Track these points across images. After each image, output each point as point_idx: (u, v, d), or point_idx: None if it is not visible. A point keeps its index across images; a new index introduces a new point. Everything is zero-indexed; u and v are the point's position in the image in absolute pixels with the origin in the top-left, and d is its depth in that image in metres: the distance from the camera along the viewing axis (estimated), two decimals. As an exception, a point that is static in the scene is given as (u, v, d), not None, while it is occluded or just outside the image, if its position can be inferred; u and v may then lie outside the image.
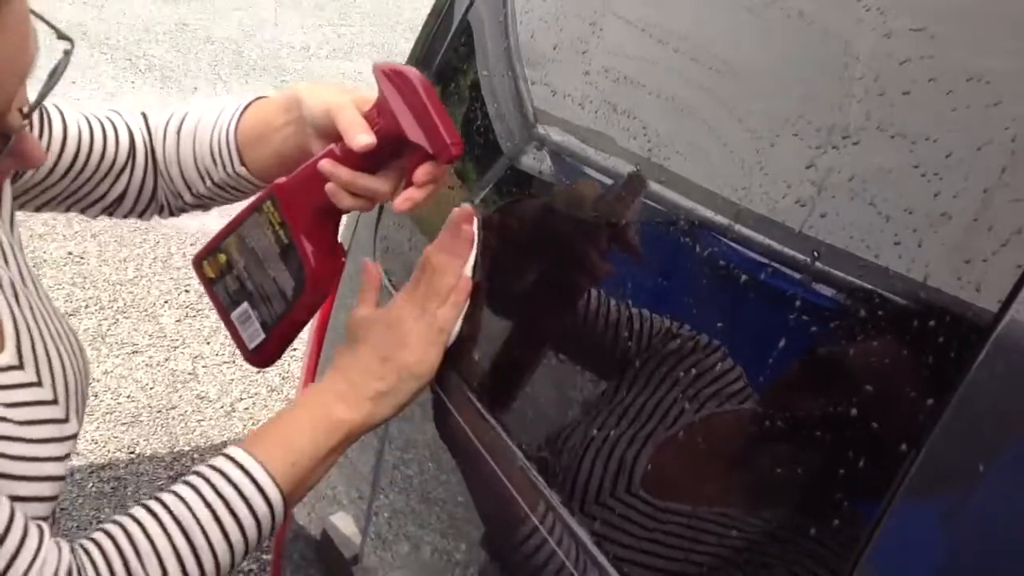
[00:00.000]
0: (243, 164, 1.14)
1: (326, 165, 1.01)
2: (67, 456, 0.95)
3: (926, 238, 0.64)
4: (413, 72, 0.99)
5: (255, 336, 1.13)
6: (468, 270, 1.05)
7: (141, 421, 3.12)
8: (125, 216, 1.23)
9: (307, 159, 1.06)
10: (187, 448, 3.02)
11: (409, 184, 0.99)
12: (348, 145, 0.99)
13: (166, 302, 3.66)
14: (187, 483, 0.96)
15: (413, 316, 1.03)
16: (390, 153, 1.01)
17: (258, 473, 0.96)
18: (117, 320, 3.53)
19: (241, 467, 0.96)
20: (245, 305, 1.13)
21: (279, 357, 1.15)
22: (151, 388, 3.25)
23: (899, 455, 0.60)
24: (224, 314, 1.16)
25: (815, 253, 0.71)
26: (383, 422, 1.03)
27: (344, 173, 1.01)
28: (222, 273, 1.15)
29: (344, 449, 1.02)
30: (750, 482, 0.73)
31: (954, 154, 0.64)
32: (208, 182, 1.16)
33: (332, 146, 1.03)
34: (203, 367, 3.34)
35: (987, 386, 0.57)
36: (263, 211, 1.09)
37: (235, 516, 0.95)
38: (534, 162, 1.18)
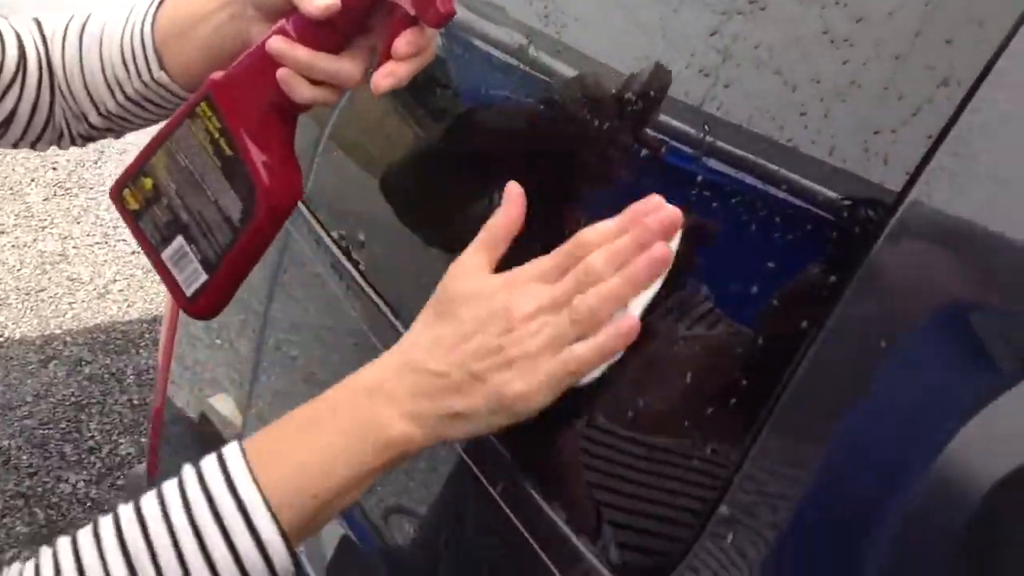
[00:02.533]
0: (163, 68, 0.92)
1: (276, 44, 0.80)
2: None
3: (833, 108, 0.62)
4: None
5: (195, 277, 0.89)
6: (638, 307, 0.69)
7: (9, 304, 3.01)
8: (14, 145, 0.99)
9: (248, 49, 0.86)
10: (58, 331, 2.93)
11: (386, 59, 0.78)
12: (305, 12, 0.79)
13: (32, 180, 3.51)
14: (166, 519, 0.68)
15: (538, 321, 0.70)
16: (356, 23, 0.81)
17: (261, 521, 0.68)
18: (-21, 199, 3.38)
19: (242, 507, 0.68)
20: (180, 240, 0.89)
21: (227, 302, 0.92)
22: (19, 270, 3.13)
23: (801, 333, 0.59)
24: (153, 254, 0.92)
25: (705, 127, 0.69)
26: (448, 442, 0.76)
27: (301, 53, 0.80)
28: (148, 202, 0.91)
29: (390, 470, 0.73)
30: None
31: (865, 19, 0.62)
32: (119, 96, 0.94)
33: (282, 22, 0.82)
34: (73, 248, 3.22)
35: (890, 266, 0.56)
36: (197, 117, 0.87)
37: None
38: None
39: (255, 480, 0.68)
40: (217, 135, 0.85)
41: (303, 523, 0.70)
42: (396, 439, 0.70)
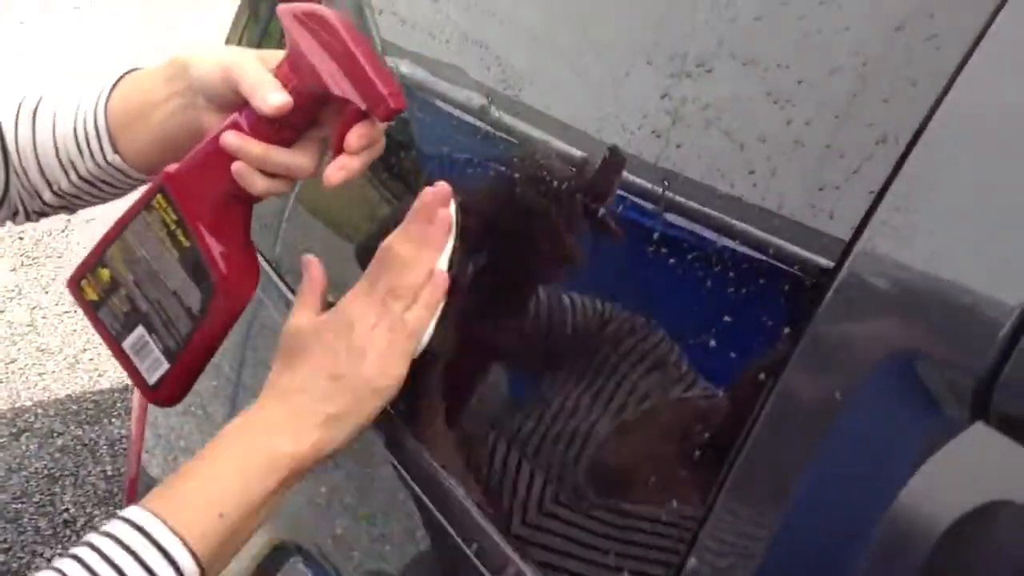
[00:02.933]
0: (116, 152, 0.92)
1: (230, 139, 0.81)
2: None
3: (780, 166, 0.64)
4: (330, 12, 0.79)
5: (157, 366, 0.90)
6: (444, 262, 0.84)
7: (-22, 377, 2.98)
8: None
9: (199, 140, 0.86)
10: (29, 403, 2.90)
11: (339, 152, 0.80)
12: (257, 109, 0.79)
13: (-1, 251, 3.50)
14: (73, 556, 0.72)
15: (372, 319, 0.82)
16: (308, 118, 0.82)
17: (163, 536, 0.72)
18: (-54, 272, 3.36)
19: (142, 531, 0.72)
20: (140, 330, 0.90)
21: (190, 389, 0.92)
22: (-13, 342, 3.11)
23: (758, 385, 0.60)
24: (114, 344, 0.93)
25: (665, 183, 0.71)
26: (337, 451, 0.81)
27: (254, 147, 0.81)
28: (107, 293, 0.92)
29: (287, 488, 0.80)
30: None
31: (805, 80, 0.64)
32: (73, 175, 0.95)
33: (234, 116, 0.83)
34: (42, 317, 3.20)
35: (841, 314, 0.58)
36: (153, 208, 0.87)
37: None
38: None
39: (154, 513, 0.73)
40: (173, 226, 0.86)
41: (211, 541, 0.74)
42: (281, 458, 0.78)
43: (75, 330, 3.15)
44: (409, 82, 1.09)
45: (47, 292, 3.28)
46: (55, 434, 2.80)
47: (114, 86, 0.93)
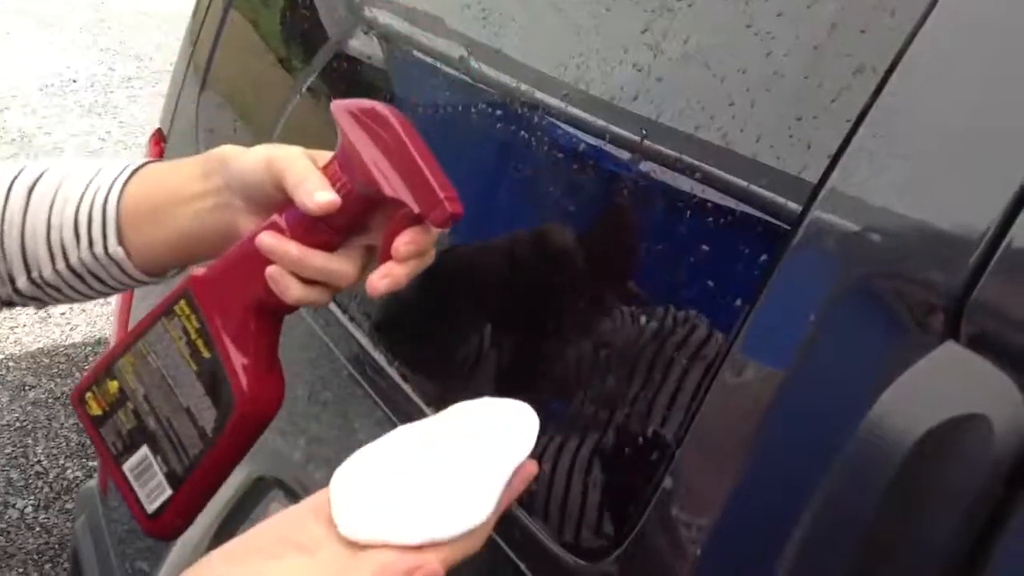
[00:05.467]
0: (121, 244, 0.83)
1: (266, 239, 0.74)
2: None
3: (759, 97, 0.65)
4: (389, 110, 0.74)
5: (158, 493, 0.80)
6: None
7: (-53, 332, 2.97)
8: None
9: (226, 244, 0.79)
10: (1, 357, 2.89)
11: (386, 258, 0.72)
12: (301, 206, 0.72)
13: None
14: None
15: None
16: (355, 221, 0.75)
17: None
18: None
19: None
20: (144, 450, 0.80)
21: (191, 521, 0.82)
22: (-43, 296, 3.09)
23: (735, 311, 0.62)
24: (113, 465, 0.83)
25: (643, 131, 0.72)
26: None
27: (292, 249, 0.73)
28: (113, 407, 0.83)
29: None
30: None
31: (784, 12, 0.65)
32: (60, 263, 0.84)
33: (274, 216, 0.75)
34: (14, 273, 3.18)
35: (816, 238, 0.59)
36: (174, 315, 0.79)
37: None
38: (363, 47, 1.15)
39: None
40: (195, 335, 0.78)
41: None
42: None
43: (47, 285, 3.14)
44: (388, 32, 1.09)
45: (18, 247, 3.27)
46: (27, 387, 2.80)
47: (135, 172, 0.85)
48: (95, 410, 0.84)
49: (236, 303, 0.77)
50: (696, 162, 0.68)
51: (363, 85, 1.14)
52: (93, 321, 3.05)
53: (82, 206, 0.83)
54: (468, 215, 0.71)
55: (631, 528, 0.66)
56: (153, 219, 0.82)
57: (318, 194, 0.72)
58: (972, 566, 0.49)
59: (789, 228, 0.60)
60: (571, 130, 0.78)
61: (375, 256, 0.75)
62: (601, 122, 0.76)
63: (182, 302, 0.79)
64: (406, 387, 0.90)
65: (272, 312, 0.78)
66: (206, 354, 0.77)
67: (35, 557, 2.30)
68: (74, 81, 4.80)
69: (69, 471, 2.55)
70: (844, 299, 0.56)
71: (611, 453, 0.69)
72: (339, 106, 0.74)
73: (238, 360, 0.77)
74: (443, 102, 0.97)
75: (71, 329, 3.03)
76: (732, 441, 0.61)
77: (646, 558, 0.65)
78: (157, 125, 1.71)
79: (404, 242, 0.71)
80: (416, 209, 0.70)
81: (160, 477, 0.80)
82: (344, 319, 1.02)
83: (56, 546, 2.33)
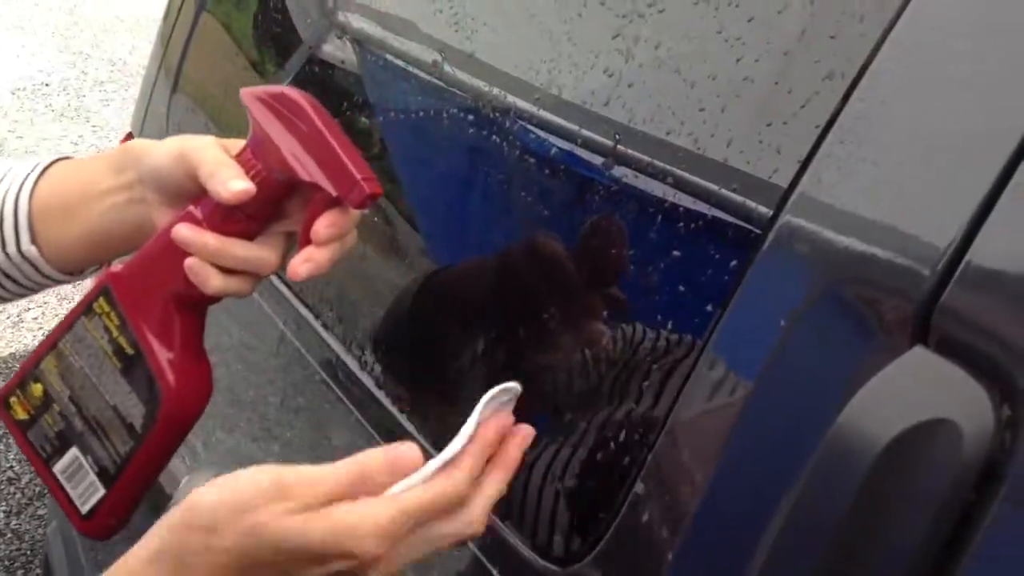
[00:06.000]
0: (34, 243, 0.81)
1: (183, 231, 0.73)
2: None
3: (729, 103, 0.66)
4: (299, 94, 0.73)
5: (91, 492, 0.79)
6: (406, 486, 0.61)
7: (-83, 337, 2.94)
8: None
9: (141, 239, 0.77)
10: (-28, 362, 2.87)
11: (306, 243, 0.72)
12: (215, 195, 0.71)
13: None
14: None
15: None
16: (271, 208, 0.74)
17: None
18: None
19: None
20: (73, 451, 0.79)
21: (128, 519, 0.81)
22: (-73, 302, 3.06)
23: (706, 315, 0.62)
24: (43, 468, 0.81)
25: (616, 136, 0.72)
26: None
27: (209, 240, 0.73)
28: (38, 411, 0.82)
29: None
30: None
31: (755, 18, 0.66)
32: None
33: (189, 208, 0.74)
34: (-15, 278, 3.16)
35: (786, 243, 0.59)
36: (93, 313, 0.78)
37: None
38: (336, 51, 1.15)
39: None
40: (116, 332, 0.77)
41: None
42: None
43: (18, 290, 3.12)
44: (361, 36, 1.09)
45: (-11, 251, 3.24)
46: (-2, 393, 2.77)
47: (45, 170, 0.83)
48: (20, 415, 0.83)
49: (156, 297, 0.76)
50: (667, 167, 0.68)
51: (336, 89, 1.13)
52: (65, 326, 3.02)
53: None
54: (439, 219, 0.71)
55: (603, 533, 0.66)
56: (65, 216, 0.80)
57: (231, 183, 0.71)
58: (941, 571, 0.49)
59: (760, 232, 0.60)
60: (543, 134, 0.78)
61: (295, 242, 0.74)
62: (573, 126, 0.76)
63: (101, 299, 0.78)
64: (379, 393, 0.90)
65: (194, 304, 0.77)
66: (129, 351, 0.77)
67: (7, 564, 2.28)
68: (46, 85, 4.76)
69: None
70: (814, 304, 0.56)
71: (583, 459, 0.69)
72: (248, 93, 0.74)
73: (163, 355, 0.76)
74: (416, 106, 0.97)
75: (43, 334, 3.00)
76: (703, 446, 0.61)
77: (618, 563, 0.65)
78: (130, 129, 1.70)
79: (324, 225, 0.71)
80: (334, 192, 0.70)
81: (92, 477, 0.79)
82: (317, 325, 1.02)
83: (28, 552, 2.31)
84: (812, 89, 0.60)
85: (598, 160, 0.74)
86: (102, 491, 0.79)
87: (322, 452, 1.02)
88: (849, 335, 0.55)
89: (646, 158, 0.70)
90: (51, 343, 0.81)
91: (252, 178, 0.72)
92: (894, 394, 0.52)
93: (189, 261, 0.73)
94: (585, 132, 0.75)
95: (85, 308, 0.79)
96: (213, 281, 0.73)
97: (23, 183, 0.82)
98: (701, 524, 0.60)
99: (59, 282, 0.85)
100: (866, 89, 0.58)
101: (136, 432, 0.77)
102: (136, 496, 0.80)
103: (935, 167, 0.54)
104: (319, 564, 0.59)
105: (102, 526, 0.80)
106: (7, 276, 0.83)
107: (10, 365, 2.88)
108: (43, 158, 0.84)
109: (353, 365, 0.95)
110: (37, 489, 2.50)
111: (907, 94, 0.56)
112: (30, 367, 0.82)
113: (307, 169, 0.70)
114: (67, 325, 0.80)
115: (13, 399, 0.83)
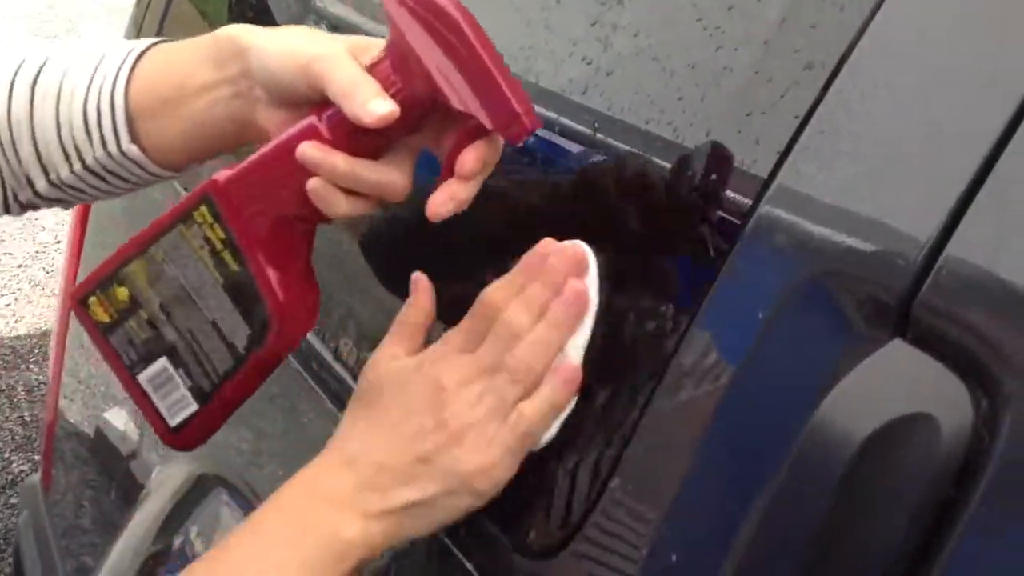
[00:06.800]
0: (134, 141, 0.76)
1: (311, 152, 0.66)
2: None
3: (709, 92, 0.65)
4: (453, 4, 0.64)
5: (182, 406, 0.76)
6: (577, 354, 0.66)
7: None
8: None
9: (245, 137, 0.73)
10: (-57, 349, 2.84)
11: (448, 174, 0.66)
12: (354, 118, 0.64)
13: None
14: None
15: (473, 395, 0.66)
16: (408, 129, 0.67)
17: None
18: None
19: None
20: (163, 362, 0.76)
21: (215, 432, 0.79)
22: (-99, 287, 3.03)
23: (683, 306, 0.61)
24: (125, 374, 0.78)
25: (595, 124, 0.71)
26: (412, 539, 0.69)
27: (340, 163, 0.66)
28: (122, 315, 0.77)
29: None
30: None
31: (735, 6, 0.65)
32: (77, 164, 0.77)
33: (311, 119, 0.67)
34: (-44, 262, 3.13)
35: (764, 235, 0.58)
36: (193, 223, 0.73)
37: None
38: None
39: None
40: (220, 246, 0.72)
41: None
42: (353, 543, 0.64)
43: (-9, 276, 3.09)
44: (339, 22, 1.08)
45: (-38, 237, 3.21)
46: (-29, 380, 2.75)
47: (139, 57, 0.76)
48: (101, 316, 0.78)
49: (267, 213, 0.71)
50: (646, 156, 0.68)
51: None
52: (39, 312, 3.00)
53: (89, 100, 0.76)
54: (416, 208, 0.69)
55: (578, 527, 0.65)
56: (164, 111, 0.75)
57: (372, 104, 0.63)
58: (920, 566, 0.49)
59: (739, 223, 0.59)
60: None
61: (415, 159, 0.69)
62: (551, 114, 0.75)
63: (203, 208, 0.72)
64: (353, 383, 0.89)
65: (308, 222, 0.72)
66: (234, 267, 0.72)
67: (-22, 553, 2.27)
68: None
69: (15, 464, 2.51)
70: (793, 296, 0.56)
71: (559, 452, 0.68)
72: None
73: (272, 275, 0.71)
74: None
75: (16, 320, 2.98)
76: (680, 440, 0.60)
77: (593, 557, 0.64)
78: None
79: (472, 159, 0.64)
80: (490, 125, 0.63)
81: (183, 391, 0.76)
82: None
83: (0, 541, 2.30)
84: (792, 79, 0.60)
85: (576, 148, 0.73)
86: (194, 406, 0.76)
87: (297, 441, 1.01)
88: (828, 328, 0.55)
89: (625, 147, 0.69)
90: (139, 246, 0.76)
91: (392, 96, 0.64)
92: (873, 388, 0.51)
93: (314, 183, 0.67)
94: (564, 120, 0.74)
95: (184, 215, 0.73)
96: (341, 207, 0.67)
97: (116, 76, 0.76)
98: (677, 519, 0.59)
99: (166, 179, 0.81)
100: (846, 80, 0.57)
101: (238, 352, 0.73)
102: (228, 415, 0.77)
103: (915, 159, 0.53)
104: None
105: (191, 439, 0.78)
106: (113, 174, 0.78)
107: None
108: (136, 44, 0.78)
109: (327, 355, 0.94)
110: (10, 478, 2.49)
111: (887, 84, 0.56)
112: (113, 267, 0.77)
113: (460, 95, 0.63)
114: (160, 230, 0.75)
115: (92, 299, 0.78)
